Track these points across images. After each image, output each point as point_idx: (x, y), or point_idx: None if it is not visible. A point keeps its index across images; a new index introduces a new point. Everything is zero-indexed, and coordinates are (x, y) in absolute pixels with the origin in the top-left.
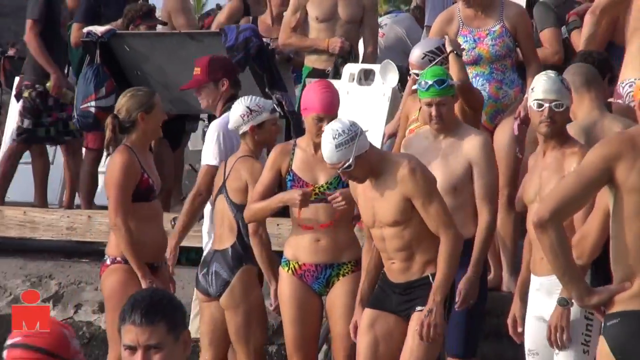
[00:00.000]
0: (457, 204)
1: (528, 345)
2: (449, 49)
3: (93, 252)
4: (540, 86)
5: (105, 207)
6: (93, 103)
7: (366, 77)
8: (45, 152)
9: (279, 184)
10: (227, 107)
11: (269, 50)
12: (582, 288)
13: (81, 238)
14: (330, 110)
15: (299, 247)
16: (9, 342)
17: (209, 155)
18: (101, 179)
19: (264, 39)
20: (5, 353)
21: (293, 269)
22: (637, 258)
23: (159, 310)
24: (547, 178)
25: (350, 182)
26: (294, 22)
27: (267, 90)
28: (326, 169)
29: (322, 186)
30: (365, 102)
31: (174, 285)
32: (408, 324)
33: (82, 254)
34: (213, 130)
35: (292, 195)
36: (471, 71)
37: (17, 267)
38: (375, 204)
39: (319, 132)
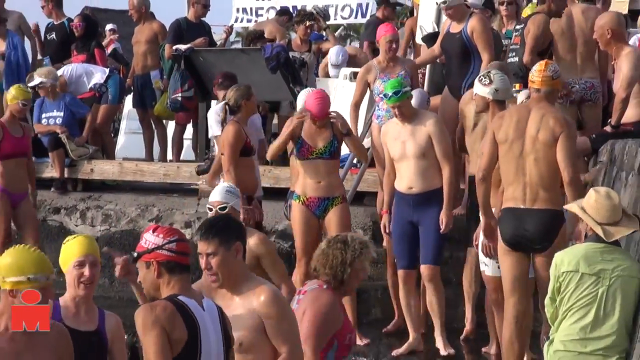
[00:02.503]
0: (427, 164)
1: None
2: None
3: (180, 189)
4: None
5: (187, 161)
6: (180, 95)
7: (355, 76)
8: (151, 126)
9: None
10: None
11: (292, 60)
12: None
13: (172, 180)
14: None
15: (306, 187)
16: (172, 238)
17: None
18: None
19: (296, 52)
20: (174, 245)
21: (302, 200)
22: (508, 177)
23: (213, 229)
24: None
25: None
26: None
27: (291, 85)
28: (323, 138)
29: (321, 149)
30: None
31: (260, 210)
32: None
33: (173, 191)
34: None
35: (292, 122)
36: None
37: (132, 200)
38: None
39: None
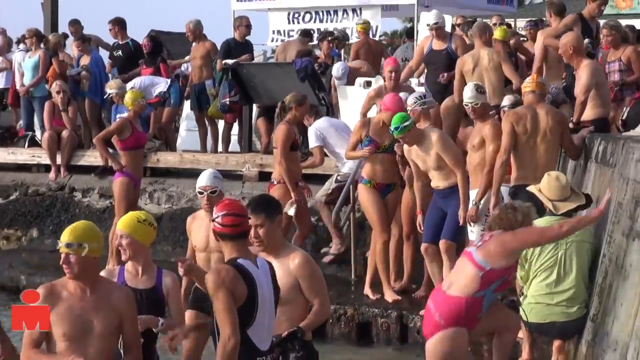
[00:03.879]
0: (445, 171)
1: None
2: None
3: (229, 175)
4: (465, 94)
5: (234, 152)
6: (228, 99)
7: (368, 84)
8: (205, 124)
9: None
10: None
11: (318, 72)
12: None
13: (222, 168)
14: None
15: (375, 174)
16: (220, 213)
17: None
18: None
19: (320, 64)
20: (220, 219)
21: (372, 184)
22: (521, 161)
23: (259, 206)
24: (473, 135)
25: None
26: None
27: (316, 91)
28: (389, 136)
29: (386, 145)
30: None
31: (308, 189)
32: None
33: (223, 176)
34: None
35: (363, 153)
36: None
37: (190, 183)
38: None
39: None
